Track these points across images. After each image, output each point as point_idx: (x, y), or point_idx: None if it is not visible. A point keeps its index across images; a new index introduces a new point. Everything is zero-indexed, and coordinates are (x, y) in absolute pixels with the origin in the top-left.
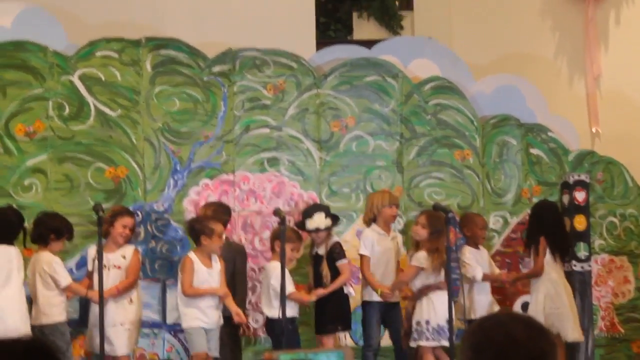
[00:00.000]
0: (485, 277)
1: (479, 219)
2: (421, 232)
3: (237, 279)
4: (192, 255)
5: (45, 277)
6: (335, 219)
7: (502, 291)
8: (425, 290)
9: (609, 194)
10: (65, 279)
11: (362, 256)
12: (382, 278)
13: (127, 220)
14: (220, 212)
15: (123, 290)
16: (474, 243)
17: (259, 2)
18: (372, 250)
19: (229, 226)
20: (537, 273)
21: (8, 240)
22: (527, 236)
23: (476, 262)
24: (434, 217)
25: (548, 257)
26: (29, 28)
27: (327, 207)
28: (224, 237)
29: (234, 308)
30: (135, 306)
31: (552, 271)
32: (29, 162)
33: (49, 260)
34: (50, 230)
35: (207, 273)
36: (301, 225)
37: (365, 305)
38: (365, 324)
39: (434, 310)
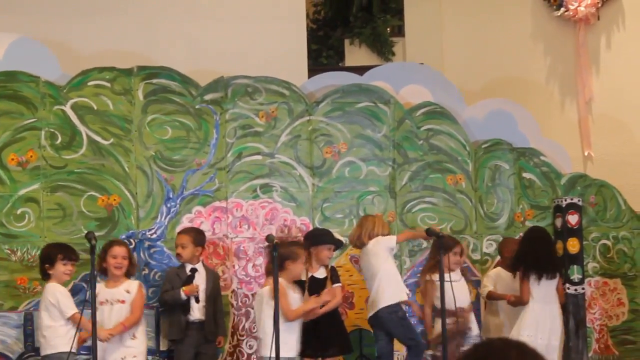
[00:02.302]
0: (490, 296)
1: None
2: (460, 260)
3: (217, 303)
4: (282, 281)
5: (50, 307)
6: (340, 243)
7: None
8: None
9: (602, 217)
10: (69, 309)
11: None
12: None
13: (115, 250)
14: (198, 237)
15: (129, 327)
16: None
17: (251, 30)
18: None
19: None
20: (522, 301)
21: None
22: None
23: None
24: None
25: (532, 282)
26: (21, 58)
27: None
28: None
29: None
30: (139, 341)
31: (535, 299)
32: (22, 191)
33: (53, 290)
34: (42, 261)
35: (296, 297)
36: (315, 242)
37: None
38: (401, 326)
39: None
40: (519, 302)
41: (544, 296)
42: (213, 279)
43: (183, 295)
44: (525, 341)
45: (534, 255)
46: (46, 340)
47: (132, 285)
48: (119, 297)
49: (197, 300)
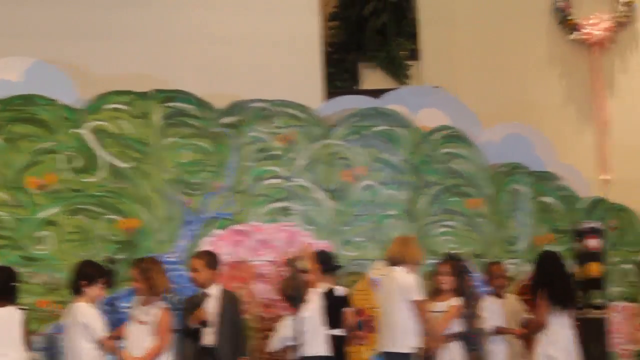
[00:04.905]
0: (500, 330)
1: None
2: (446, 280)
3: (236, 325)
4: None
5: (82, 328)
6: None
7: None
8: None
9: (622, 241)
10: (101, 332)
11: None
12: None
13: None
14: (212, 261)
15: (155, 355)
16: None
17: (266, 54)
18: None
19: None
20: (537, 328)
21: (2, 300)
22: (530, 287)
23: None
24: (456, 264)
25: (550, 309)
26: (38, 82)
27: None
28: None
29: None
30: None
31: (553, 325)
32: (41, 214)
33: (85, 311)
34: (80, 277)
35: None
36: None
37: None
38: None
39: None
40: (536, 329)
41: (560, 321)
42: (229, 301)
43: (191, 325)
44: None
45: (558, 284)
46: None
47: (153, 309)
48: (142, 318)
49: (205, 325)
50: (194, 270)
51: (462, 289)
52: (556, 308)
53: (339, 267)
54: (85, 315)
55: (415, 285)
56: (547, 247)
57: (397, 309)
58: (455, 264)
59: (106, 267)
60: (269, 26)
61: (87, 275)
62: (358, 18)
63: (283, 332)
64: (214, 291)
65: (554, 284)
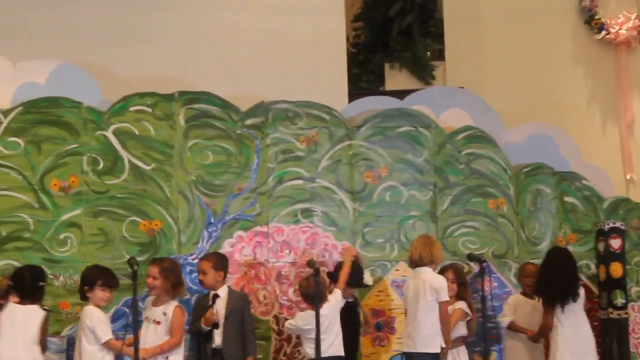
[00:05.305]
0: (511, 327)
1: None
2: (452, 287)
3: (244, 325)
4: None
5: (87, 331)
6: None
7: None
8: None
9: None
10: (105, 335)
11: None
12: None
13: (148, 269)
14: (219, 262)
15: (167, 350)
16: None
17: (291, 55)
18: None
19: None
20: (545, 328)
21: (23, 298)
22: (535, 286)
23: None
24: (459, 271)
25: (558, 309)
26: (63, 84)
27: None
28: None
29: None
30: None
31: (564, 325)
32: (64, 216)
33: (90, 314)
34: (82, 282)
35: None
36: (358, 282)
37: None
38: None
39: None
40: (540, 335)
41: (573, 321)
42: (236, 302)
43: (204, 327)
44: None
45: (554, 281)
46: None
47: (169, 307)
48: (156, 318)
49: (217, 327)
50: (202, 272)
51: (483, 290)
52: (556, 306)
53: (366, 286)
54: (90, 318)
55: (445, 286)
56: (572, 248)
57: (427, 310)
58: (458, 270)
59: (105, 269)
60: (294, 27)
61: (86, 279)
62: (383, 19)
63: (298, 323)
64: (223, 292)
65: (560, 286)
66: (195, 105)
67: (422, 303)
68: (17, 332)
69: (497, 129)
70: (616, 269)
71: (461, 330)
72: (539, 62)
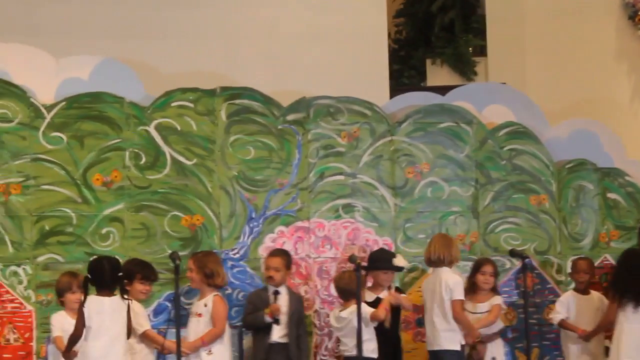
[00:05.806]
0: (562, 324)
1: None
2: (490, 280)
3: (301, 326)
4: None
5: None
6: (398, 269)
7: None
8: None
9: None
10: (142, 326)
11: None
12: None
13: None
14: (289, 260)
15: (208, 342)
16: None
17: (333, 51)
18: None
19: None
20: (607, 323)
21: (101, 290)
22: (610, 285)
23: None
24: (495, 265)
25: (629, 306)
26: (106, 80)
27: None
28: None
29: None
30: (214, 357)
31: (631, 321)
32: (106, 211)
33: (129, 306)
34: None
35: None
36: (388, 264)
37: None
38: None
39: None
40: (595, 333)
41: (635, 318)
42: (297, 301)
43: (267, 318)
44: None
45: (632, 280)
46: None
47: (209, 298)
48: (197, 311)
49: (277, 322)
50: (275, 269)
51: (525, 286)
52: (629, 304)
53: (399, 269)
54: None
55: (460, 285)
56: (615, 244)
57: (443, 308)
58: (495, 263)
59: (144, 262)
60: (336, 23)
61: (126, 273)
62: (425, 15)
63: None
64: (283, 290)
65: (628, 282)
66: (237, 101)
67: (438, 302)
68: (105, 324)
69: (540, 125)
70: None
71: (499, 324)
72: (582, 58)
